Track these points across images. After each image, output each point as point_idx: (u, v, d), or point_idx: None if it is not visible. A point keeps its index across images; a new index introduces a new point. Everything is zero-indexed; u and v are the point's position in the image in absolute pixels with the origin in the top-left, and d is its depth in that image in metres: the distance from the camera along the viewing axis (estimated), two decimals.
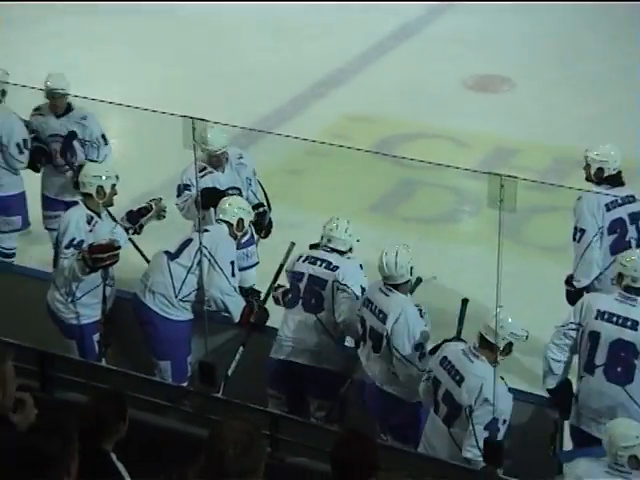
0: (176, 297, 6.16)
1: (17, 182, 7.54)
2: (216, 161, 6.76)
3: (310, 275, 6.01)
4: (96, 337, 6.27)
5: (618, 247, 6.28)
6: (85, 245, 6.09)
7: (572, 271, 6.47)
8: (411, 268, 5.69)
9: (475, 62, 11.18)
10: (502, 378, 5.18)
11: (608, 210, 6.39)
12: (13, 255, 7.65)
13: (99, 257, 5.99)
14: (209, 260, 6.05)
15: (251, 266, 7.02)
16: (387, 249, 5.71)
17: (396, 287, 5.69)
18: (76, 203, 6.41)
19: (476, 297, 5.95)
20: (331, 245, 6.08)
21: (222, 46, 11.45)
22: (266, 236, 7.06)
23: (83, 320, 6.27)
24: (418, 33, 11.98)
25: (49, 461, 3.46)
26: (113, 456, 4.27)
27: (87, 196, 6.29)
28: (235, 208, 6.33)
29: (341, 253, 6.07)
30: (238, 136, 8.35)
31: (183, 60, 11.07)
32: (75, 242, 6.10)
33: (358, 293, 5.92)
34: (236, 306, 6.18)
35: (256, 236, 7.02)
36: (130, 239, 6.55)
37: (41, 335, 6.00)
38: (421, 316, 5.65)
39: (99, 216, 6.26)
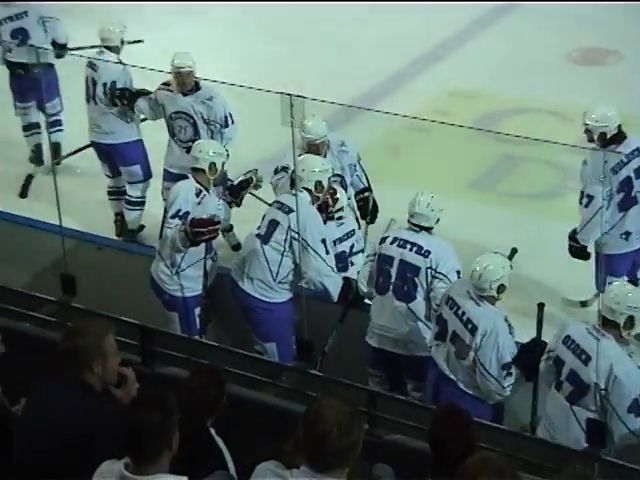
0: (274, 280, 6.18)
1: (130, 130, 7.75)
2: (315, 149, 6.72)
3: (401, 260, 5.89)
4: (197, 311, 6.35)
5: (626, 204, 6.52)
6: (190, 217, 6.17)
7: (577, 227, 6.61)
8: (500, 285, 5.47)
9: (580, 35, 10.95)
10: (630, 356, 5.09)
11: (615, 173, 6.48)
12: (142, 204, 7.84)
13: (199, 231, 6.07)
14: (301, 244, 6.03)
15: (357, 252, 6.72)
16: (481, 259, 5.51)
17: (485, 297, 5.50)
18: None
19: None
20: (414, 221, 5.96)
21: (320, 22, 11.41)
22: (372, 221, 6.99)
23: (187, 293, 6.36)
24: (520, 7, 11.78)
25: (150, 435, 3.54)
26: (212, 431, 4.32)
27: (198, 171, 6.40)
28: (308, 172, 6.27)
29: (428, 230, 5.97)
30: (338, 112, 8.34)
31: (282, 36, 11.07)
32: (181, 213, 6.20)
33: (454, 279, 5.80)
34: (335, 286, 6.18)
35: (362, 222, 6.96)
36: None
37: (142, 310, 6.09)
38: (510, 333, 5.46)
39: (207, 191, 6.34)
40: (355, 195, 7.01)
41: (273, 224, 6.20)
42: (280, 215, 6.19)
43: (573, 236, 6.71)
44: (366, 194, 6.93)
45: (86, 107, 7.90)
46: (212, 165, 6.39)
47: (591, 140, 6.55)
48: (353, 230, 6.65)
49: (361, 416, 3.43)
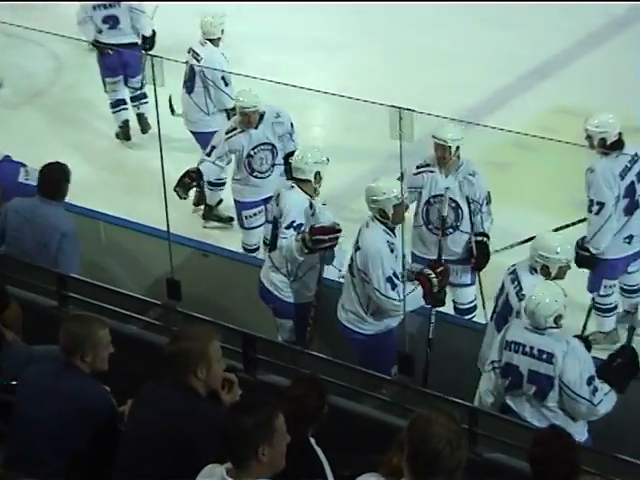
0: (367, 313, 6.12)
1: (210, 121, 8.21)
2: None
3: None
4: (309, 316, 6.37)
5: (630, 208, 6.64)
6: (304, 228, 6.22)
7: (586, 236, 6.65)
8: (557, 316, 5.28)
9: None
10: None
11: (622, 179, 6.58)
12: (223, 184, 8.24)
13: (320, 239, 6.10)
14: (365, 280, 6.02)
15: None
16: (535, 295, 5.30)
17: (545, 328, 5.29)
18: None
19: None
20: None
21: (426, 35, 11.40)
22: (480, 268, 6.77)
23: (301, 299, 6.40)
24: (628, 27, 11.60)
25: (240, 439, 3.56)
26: (312, 441, 4.34)
27: (305, 182, 6.39)
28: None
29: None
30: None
31: (388, 49, 11.08)
32: (295, 224, 6.23)
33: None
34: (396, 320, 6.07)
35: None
36: None
37: (245, 317, 6.15)
38: (585, 347, 5.33)
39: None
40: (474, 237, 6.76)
41: (352, 257, 6.16)
42: (354, 251, 6.13)
43: (582, 245, 6.68)
44: (483, 239, 6.69)
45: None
46: (317, 174, 6.43)
47: (592, 146, 6.59)
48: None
49: (466, 434, 3.41)
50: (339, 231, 6.17)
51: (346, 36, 11.51)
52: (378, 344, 6.07)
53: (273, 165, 7.58)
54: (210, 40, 8.38)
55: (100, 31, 9.17)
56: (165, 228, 5.88)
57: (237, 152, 7.54)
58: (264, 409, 3.64)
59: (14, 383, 4.69)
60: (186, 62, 8.36)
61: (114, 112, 9.50)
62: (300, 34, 11.40)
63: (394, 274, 5.89)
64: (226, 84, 8.23)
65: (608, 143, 6.58)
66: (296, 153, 6.70)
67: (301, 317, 6.39)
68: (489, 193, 6.73)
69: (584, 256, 6.65)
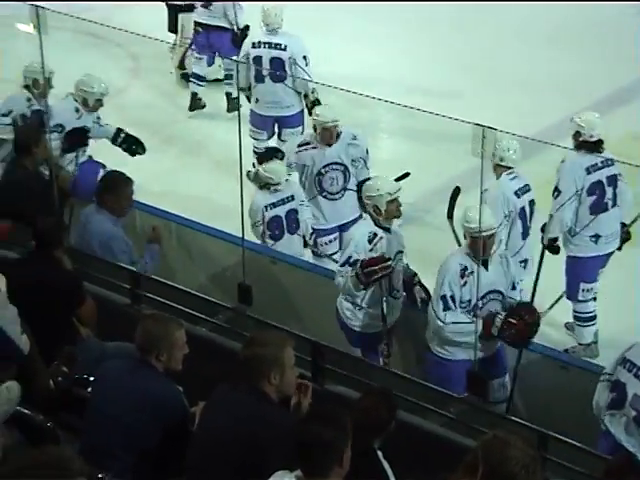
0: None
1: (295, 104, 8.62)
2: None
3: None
4: (380, 347, 6.29)
5: (597, 207, 6.81)
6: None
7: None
8: None
9: None
10: None
11: (588, 173, 6.79)
12: None
13: (371, 270, 6.03)
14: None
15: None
16: None
17: None
18: None
19: None
20: None
21: (502, 55, 11.35)
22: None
23: (368, 329, 6.30)
24: None
25: (321, 449, 3.58)
26: (380, 454, 4.35)
27: (377, 211, 6.28)
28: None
29: None
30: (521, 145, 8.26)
31: (461, 68, 11.06)
32: (351, 260, 6.14)
33: None
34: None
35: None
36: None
37: (313, 326, 6.17)
38: None
39: (388, 230, 6.26)
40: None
41: None
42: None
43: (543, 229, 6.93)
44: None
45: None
46: (388, 203, 6.27)
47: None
48: (291, 196, 7.12)
49: (541, 460, 3.39)
50: (388, 259, 6.10)
51: (415, 50, 11.48)
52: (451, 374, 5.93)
53: (344, 189, 7.53)
54: (276, 29, 8.62)
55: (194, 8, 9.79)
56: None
57: (306, 167, 7.51)
58: (343, 417, 3.66)
59: (88, 377, 4.75)
60: (258, 57, 8.64)
61: (188, 81, 10.19)
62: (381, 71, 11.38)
63: (451, 297, 5.86)
64: (306, 63, 8.56)
65: (580, 139, 6.83)
66: (368, 182, 6.58)
67: (368, 347, 6.33)
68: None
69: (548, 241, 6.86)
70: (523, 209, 6.77)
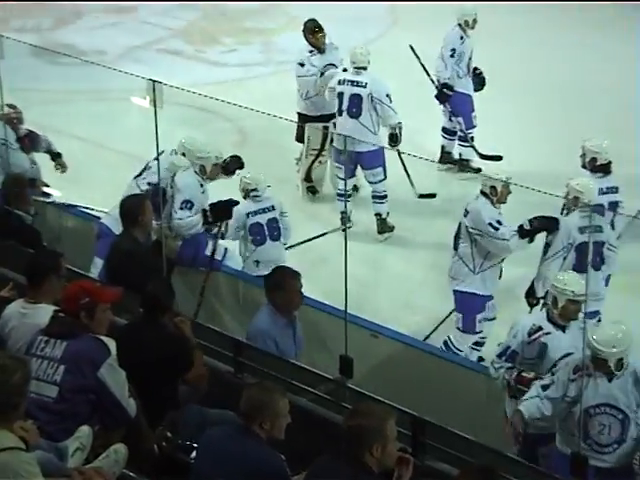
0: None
1: (377, 139, 9.11)
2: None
3: None
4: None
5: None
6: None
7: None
8: None
9: None
10: None
11: (600, 194, 7.42)
12: (386, 197, 9.28)
13: (521, 389, 6.12)
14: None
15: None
16: None
17: None
18: None
19: None
20: None
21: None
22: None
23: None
24: None
25: None
26: None
27: (555, 305, 6.30)
28: None
29: None
30: None
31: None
32: (508, 352, 6.27)
33: None
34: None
35: None
36: None
37: (414, 402, 6.15)
38: None
39: (562, 329, 6.28)
40: None
41: None
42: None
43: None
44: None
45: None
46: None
47: (584, 166, 7.78)
48: (272, 206, 7.92)
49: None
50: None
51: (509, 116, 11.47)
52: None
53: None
54: (362, 68, 9.19)
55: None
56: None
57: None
58: None
59: (191, 444, 4.83)
60: (341, 93, 9.18)
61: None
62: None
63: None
64: (390, 100, 9.09)
65: (597, 164, 7.70)
66: (558, 273, 6.66)
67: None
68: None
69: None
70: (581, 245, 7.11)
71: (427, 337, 7.75)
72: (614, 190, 7.73)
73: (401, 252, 9.25)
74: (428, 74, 10.15)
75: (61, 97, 12.09)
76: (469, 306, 7.56)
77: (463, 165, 10.24)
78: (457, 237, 7.45)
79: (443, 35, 10.18)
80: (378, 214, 9.37)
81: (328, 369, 6.09)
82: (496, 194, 7.31)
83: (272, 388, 4.62)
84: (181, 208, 7.60)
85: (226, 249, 7.95)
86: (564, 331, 6.20)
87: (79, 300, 4.94)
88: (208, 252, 7.76)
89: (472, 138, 10.24)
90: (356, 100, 9.17)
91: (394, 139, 9.20)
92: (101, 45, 13.71)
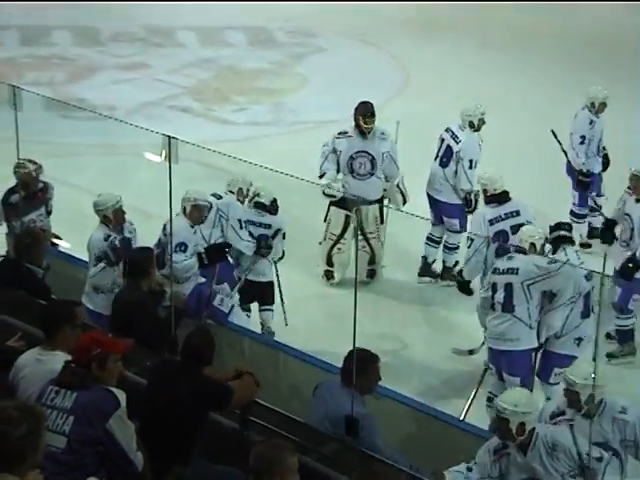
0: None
1: (452, 195, 9.35)
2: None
3: None
4: None
5: (500, 252, 7.89)
6: None
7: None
8: None
9: None
10: None
11: (491, 224, 8.27)
12: (456, 248, 9.56)
13: None
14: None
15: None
16: None
17: None
18: None
19: None
20: None
21: None
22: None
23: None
24: None
25: None
26: None
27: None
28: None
29: None
30: None
31: None
32: None
33: None
34: None
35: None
36: None
37: (419, 464, 6.14)
38: None
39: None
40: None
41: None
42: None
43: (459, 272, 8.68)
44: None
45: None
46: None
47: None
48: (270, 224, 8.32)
49: None
50: None
51: None
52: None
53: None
54: (470, 126, 9.34)
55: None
56: None
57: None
58: None
59: None
60: (442, 140, 9.45)
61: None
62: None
63: None
64: (470, 167, 9.27)
65: (488, 194, 8.38)
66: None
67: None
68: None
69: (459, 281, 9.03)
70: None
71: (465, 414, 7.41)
72: (514, 214, 8.27)
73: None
74: (566, 155, 9.98)
75: (71, 150, 12.19)
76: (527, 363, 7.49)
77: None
78: (509, 301, 7.32)
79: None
80: (443, 262, 9.74)
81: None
82: (535, 250, 7.35)
83: (282, 446, 4.63)
84: (175, 251, 7.65)
85: (233, 306, 7.99)
86: (592, 419, 5.89)
87: (91, 351, 4.97)
88: (216, 303, 7.81)
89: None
90: (449, 152, 9.42)
91: (468, 204, 9.35)
92: (113, 100, 13.88)
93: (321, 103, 13.76)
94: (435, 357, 8.51)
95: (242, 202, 8.45)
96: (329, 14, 17.64)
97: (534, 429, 5.63)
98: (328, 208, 9.45)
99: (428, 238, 9.74)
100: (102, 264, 7.71)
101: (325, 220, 9.52)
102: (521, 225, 7.96)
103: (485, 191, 8.39)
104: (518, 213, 8.29)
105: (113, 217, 7.80)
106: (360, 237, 9.32)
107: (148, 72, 15.27)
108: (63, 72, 15.17)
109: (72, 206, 9.28)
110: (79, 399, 4.83)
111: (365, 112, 9.21)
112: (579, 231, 9.84)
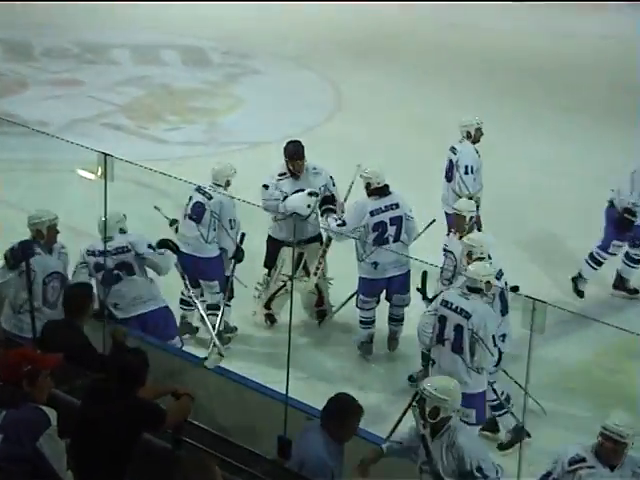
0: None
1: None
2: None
3: None
4: None
5: (378, 241, 8.56)
6: None
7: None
8: None
9: None
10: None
11: (372, 215, 8.55)
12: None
13: None
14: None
15: None
16: None
17: None
18: None
19: None
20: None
21: None
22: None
23: None
24: None
25: None
26: None
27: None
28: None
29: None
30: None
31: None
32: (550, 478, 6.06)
33: None
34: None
35: None
36: None
37: None
38: None
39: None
40: None
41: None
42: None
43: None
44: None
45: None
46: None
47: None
48: None
49: None
50: None
51: None
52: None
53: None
54: (467, 136, 9.72)
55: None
56: None
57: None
58: None
59: None
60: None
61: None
62: None
63: None
64: (466, 172, 9.61)
65: (372, 187, 8.59)
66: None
67: None
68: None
69: None
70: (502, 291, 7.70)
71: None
72: (394, 207, 8.56)
73: None
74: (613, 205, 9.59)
75: (1, 166, 12.03)
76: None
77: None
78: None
79: None
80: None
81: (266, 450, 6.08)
82: (490, 287, 7.31)
83: (207, 465, 4.61)
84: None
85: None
86: (612, 470, 5.81)
87: (21, 368, 4.88)
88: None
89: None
90: (451, 165, 9.74)
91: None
92: (44, 116, 13.72)
93: (255, 124, 13.76)
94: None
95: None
96: (263, 36, 17.71)
97: (449, 419, 5.76)
98: (269, 251, 9.15)
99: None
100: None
101: (268, 264, 9.14)
102: (399, 218, 8.51)
103: (368, 185, 8.61)
104: (397, 206, 8.56)
105: (46, 233, 7.67)
106: (305, 277, 9.05)
107: (81, 89, 15.14)
108: None
109: (1, 222, 9.13)
110: (8, 417, 4.75)
111: (291, 155, 8.94)
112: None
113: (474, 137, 9.73)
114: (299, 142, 9.03)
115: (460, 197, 9.30)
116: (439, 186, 9.96)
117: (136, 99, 14.95)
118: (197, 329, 9.03)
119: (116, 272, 7.85)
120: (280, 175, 9.00)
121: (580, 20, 18.99)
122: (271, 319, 9.20)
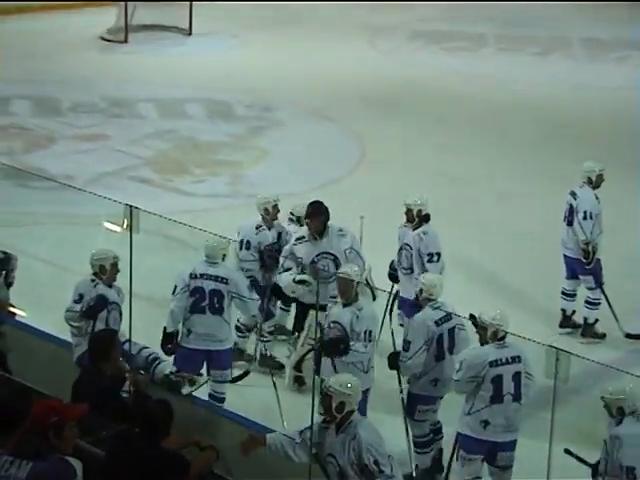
0: None
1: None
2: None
3: None
4: None
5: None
6: None
7: None
8: None
9: None
10: None
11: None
12: (598, 304, 9.87)
13: None
14: None
15: None
16: None
17: None
18: None
19: None
20: None
21: None
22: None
23: None
24: None
25: None
26: None
27: None
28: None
29: None
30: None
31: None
32: None
33: None
34: None
35: None
36: None
37: None
38: None
39: None
40: None
41: None
42: None
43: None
44: None
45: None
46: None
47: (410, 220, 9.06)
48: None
49: None
50: None
51: None
52: None
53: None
54: (588, 182, 9.80)
55: None
56: None
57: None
58: None
59: None
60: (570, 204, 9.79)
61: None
62: None
63: None
64: (585, 218, 9.70)
65: (423, 214, 9.00)
66: None
67: None
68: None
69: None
70: (441, 336, 7.66)
71: None
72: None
73: None
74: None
75: (27, 219, 12.15)
76: None
77: None
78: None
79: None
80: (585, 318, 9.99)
81: None
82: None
83: None
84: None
85: None
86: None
87: (48, 419, 4.91)
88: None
89: None
90: (571, 210, 9.82)
91: (586, 255, 9.74)
92: (71, 170, 13.87)
93: (279, 176, 13.84)
94: None
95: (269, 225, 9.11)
96: (286, 88, 17.87)
97: (352, 412, 6.15)
98: (297, 313, 9.01)
99: (563, 292, 10.09)
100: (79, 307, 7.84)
101: (297, 328, 8.98)
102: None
103: (420, 212, 8.96)
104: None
105: (109, 269, 7.90)
106: None
107: (107, 143, 15.30)
108: (21, 142, 15.16)
109: (29, 276, 9.21)
110: (35, 469, 4.78)
111: (308, 215, 8.76)
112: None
113: (595, 183, 9.82)
114: (316, 202, 8.83)
115: (579, 242, 9.65)
116: (471, 238, 9.94)
117: (161, 152, 15.09)
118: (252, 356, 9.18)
119: (207, 302, 8.15)
120: (297, 240, 8.82)
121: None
122: (299, 381, 8.98)
